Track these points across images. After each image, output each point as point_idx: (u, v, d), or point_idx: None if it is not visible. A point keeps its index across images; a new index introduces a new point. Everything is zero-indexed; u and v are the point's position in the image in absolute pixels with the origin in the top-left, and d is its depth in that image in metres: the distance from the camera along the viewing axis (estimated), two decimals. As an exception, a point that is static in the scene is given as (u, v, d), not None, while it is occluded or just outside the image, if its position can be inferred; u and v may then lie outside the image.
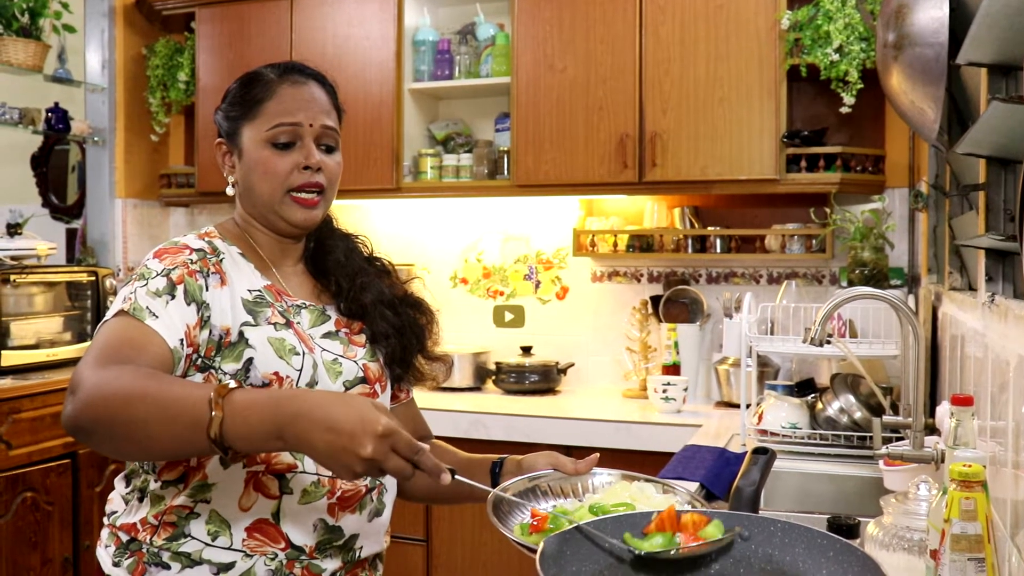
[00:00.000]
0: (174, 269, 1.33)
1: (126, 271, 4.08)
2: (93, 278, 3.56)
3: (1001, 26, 1.23)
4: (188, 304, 1.31)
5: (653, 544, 1.05)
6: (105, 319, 1.29)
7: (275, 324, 1.39)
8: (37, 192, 4.35)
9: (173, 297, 1.30)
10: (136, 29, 4.14)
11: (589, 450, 2.90)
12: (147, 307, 1.28)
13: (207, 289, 1.35)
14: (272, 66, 1.49)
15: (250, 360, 1.34)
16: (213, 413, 1.08)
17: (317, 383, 1.39)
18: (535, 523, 1.21)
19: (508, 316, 3.80)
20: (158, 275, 1.32)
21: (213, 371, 1.34)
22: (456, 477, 1.15)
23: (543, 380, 3.52)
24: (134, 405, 1.11)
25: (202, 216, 4.30)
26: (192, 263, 1.35)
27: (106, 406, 1.12)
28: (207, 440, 1.08)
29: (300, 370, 1.37)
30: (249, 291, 1.40)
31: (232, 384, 1.11)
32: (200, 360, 1.33)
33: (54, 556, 3.11)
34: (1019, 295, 1.52)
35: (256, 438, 1.08)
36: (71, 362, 3.41)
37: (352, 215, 3.93)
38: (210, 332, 1.34)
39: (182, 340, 1.29)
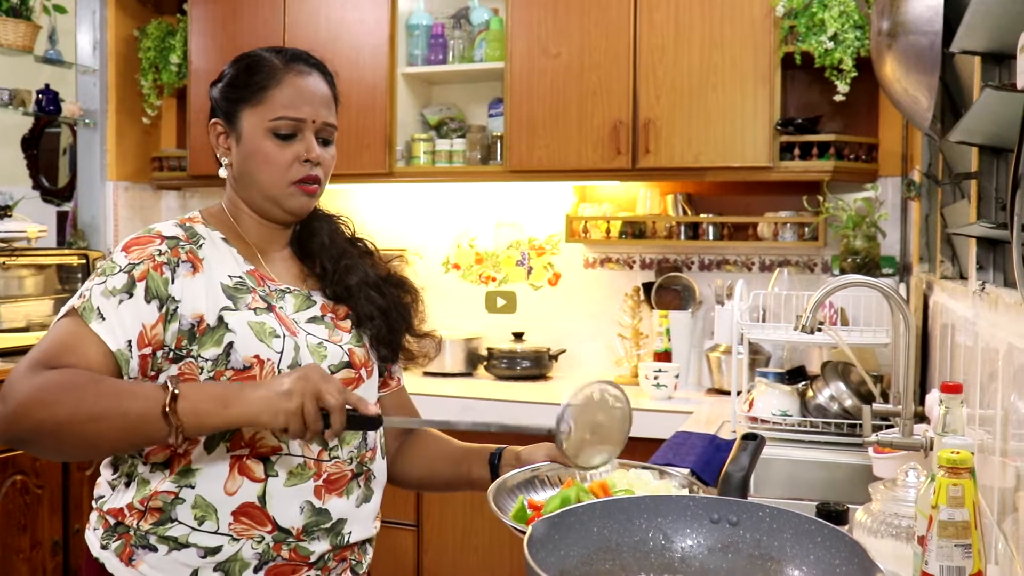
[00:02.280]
0: (139, 264, 1.33)
1: (117, 254, 4.06)
2: (84, 261, 3.55)
3: (995, 14, 1.23)
4: (148, 302, 1.32)
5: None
6: (59, 315, 1.33)
7: (255, 309, 1.39)
8: (27, 174, 4.31)
9: (131, 295, 1.31)
10: (127, 10, 4.11)
11: (580, 436, 2.92)
12: (97, 307, 1.30)
13: (173, 282, 1.35)
14: (275, 51, 1.48)
15: (231, 344, 1.34)
16: (174, 425, 1.21)
17: (300, 365, 1.38)
18: (534, 514, 1.23)
19: (500, 302, 3.80)
20: (120, 271, 1.33)
21: (193, 359, 1.34)
22: (386, 419, 1.31)
23: (535, 366, 3.52)
24: (80, 412, 1.20)
25: (194, 199, 4.28)
26: (159, 255, 1.35)
27: (43, 408, 1.20)
28: (167, 446, 1.28)
29: (281, 352, 1.37)
30: (229, 276, 1.40)
31: (171, 386, 1.22)
32: (172, 352, 1.34)
33: (43, 539, 3.10)
34: (1009, 284, 1.53)
35: (215, 428, 1.26)
36: (61, 345, 3.40)
37: (344, 200, 3.91)
38: (179, 324, 1.34)
39: (130, 342, 1.30)
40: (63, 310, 1.33)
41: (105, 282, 1.32)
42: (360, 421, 1.26)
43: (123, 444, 1.28)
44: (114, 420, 1.20)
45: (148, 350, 1.31)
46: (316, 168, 1.45)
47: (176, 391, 1.20)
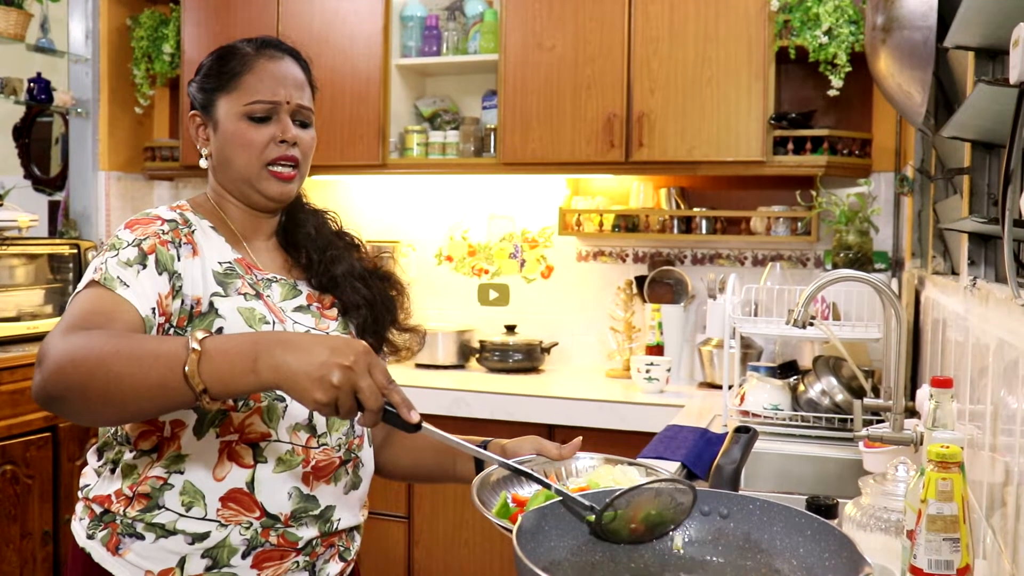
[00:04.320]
0: (145, 239, 1.34)
1: (109, 244, 4.04)
2: (75, 251, 3.53)
3: (989, 9, 1.23)
4: (160, 273, 1.32)
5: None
6: (77, 290, 1.30)
7: (245, 295, 1.40)
8: (19, 163, 4.30)
9: (144, 267, 1.31)
10: (120, -1, 4.10)
11: (572, 429, 2.94)
12: (118, 276, 1.29)
13: (179, 259, 1.36)
14: (247, 41, 1.50)
15: (220, 330, 1.35)
16: (191, 353, 1.09)
17: None
18: (518, 509, 1.22)
19: (493, 294, 3.80)
20: (129, 245, 1.33)
21: None
22: (425, 426, 1.15)
23: (527, 359, 3.52)
24: (107, 364, 1.11)
25: (187, 190, 4.26)
26: (163, 233, 1.36)
27: (76, 369, 1.12)
28: (183, 382, 1.09)
29: None
30: (219, 263, 1.41)
31: (204, 335, 1.13)
32: (172, 330, 1.34)
33: (34, 529, 3.10)
34: (1001, 279, 1.53)
35: (233, 374, 1.09)
36: (52, 335, 3.39)
37: (337, 191, 3.91)
38: (182, 302, 1.35)
39: (154, 309, 1.30)
40: (81, 284, 1.31)
41: (118, 255, 1.31)
42: (397, 419, 1.14)
43: (151, 408, 1.20)
44: (138, 384, 1.12)
45: (163, 319, 1.32)
46: (293, 148, 1.45)
47: (198, 347, 1.10)
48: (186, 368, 1.09)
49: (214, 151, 1.47)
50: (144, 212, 1.41)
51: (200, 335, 1.12)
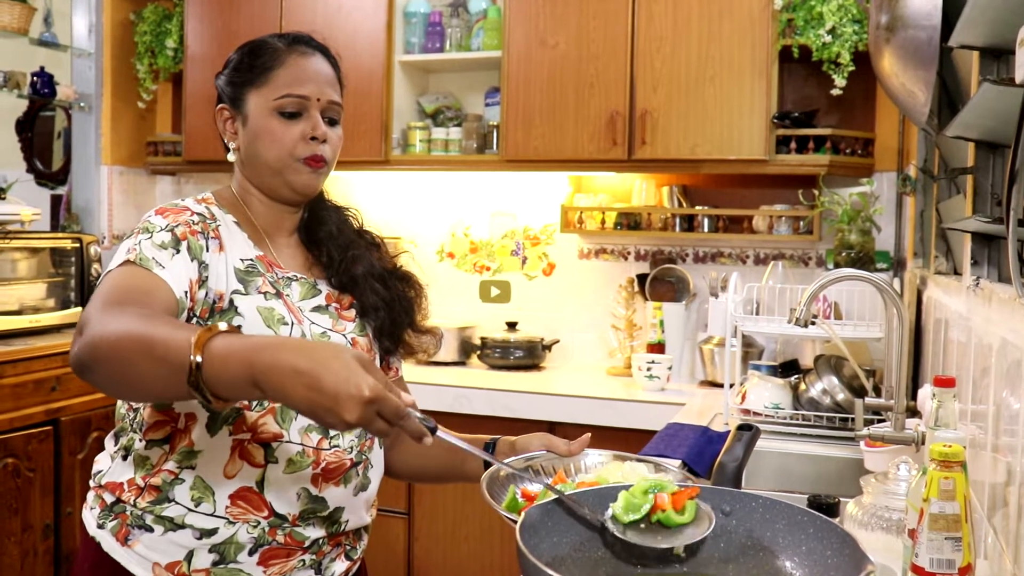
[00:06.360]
0: (177, 226, 1.35)
1: (111, 239, 4.05)
2: (77, 245, 3.54)
3: (994, 8, 1.22)
4: (191, 260, 1.33)
5: (631, 508, 1.06)
6: (109, 268, 1.30)
7: (265, 294, 1.40)
8: (22, 157, 4.30)
9: (178, 251, 1.32)
10: (124, -6, 4.10)
11: (573, 426, 2.94)
12: (153, 258, 1.29)
13: (207, 250, 1.36)
14: (278, 36, 1.49)
15: (239, 328, 1.34)
16: (192, 358, 1.04)
17: None
18: (527, 504, 1.23)
19: (494, 291, 3.80)
20: (162, 230, 1.33)
21: None
22: (438, 434, 1.12)
23: (528, 356, 3.52)
24: (126, 344, 1.10)
25: (189, 185, 4.27)
26: (193, 223, 1.37)
27: (103, 345, 1.12)
28: (187, 385, 1.05)
29: None
30: (241, 260, 1.41)
31: (223, 326, 1.09)
32: (196, 319, 1.34)
33: (35, 522, 3.10)
34: (1004, 279, 1.53)
35: (235, 386, 1.05)
36: (54, 329, 3.40)
37: (340, 187, 3.90)
38: (206, 293, 1.35)
39: (186, 292, 1.30)
40: (113, 263, 1.29)
41: (152, 237, 1.31)
42: None
43: (168, 395, 1.18)
44: (149, 373, 1.10)
45: (191, 304, 1.32)
46: (322, 146, 1.45)
47: (200, 360, 1.04)
48: (189, 378, 1.05)
49: (242, 145, 1.47)
50: (173, 202, 1.42)
51: (202, 337, 1.06)
